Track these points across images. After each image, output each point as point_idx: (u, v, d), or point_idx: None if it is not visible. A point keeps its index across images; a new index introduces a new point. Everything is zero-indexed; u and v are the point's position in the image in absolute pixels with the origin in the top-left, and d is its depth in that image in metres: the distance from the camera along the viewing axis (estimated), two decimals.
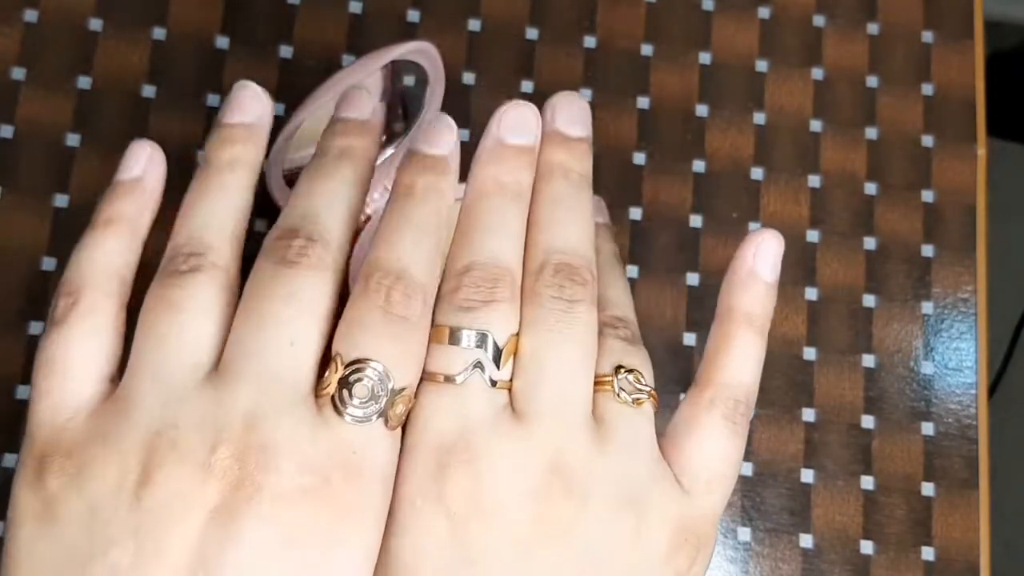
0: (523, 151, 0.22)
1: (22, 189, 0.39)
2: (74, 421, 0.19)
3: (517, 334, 0.21)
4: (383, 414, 0.19)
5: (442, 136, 0.23)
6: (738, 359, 0.23)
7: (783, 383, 0.41)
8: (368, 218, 0.39)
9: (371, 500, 0.19)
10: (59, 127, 0.40)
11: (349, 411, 0.19)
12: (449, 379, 0.20)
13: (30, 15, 0.40)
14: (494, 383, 0.20)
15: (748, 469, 0.40)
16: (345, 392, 0.19)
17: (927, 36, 0.44)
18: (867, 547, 0.39)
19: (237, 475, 0.18)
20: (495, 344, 0.20)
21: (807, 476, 0.40)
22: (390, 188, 0.39)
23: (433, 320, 0.21)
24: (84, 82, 0.40)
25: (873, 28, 0.44)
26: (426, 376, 0.20)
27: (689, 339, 0.41)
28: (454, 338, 0.20)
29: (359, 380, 0.19)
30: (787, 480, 0.40)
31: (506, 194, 0.22)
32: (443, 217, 0.22)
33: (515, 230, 0.22)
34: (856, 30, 0.44)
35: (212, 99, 0.41)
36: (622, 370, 0.22)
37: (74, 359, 0.20)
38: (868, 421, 0.41)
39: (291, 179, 0.37)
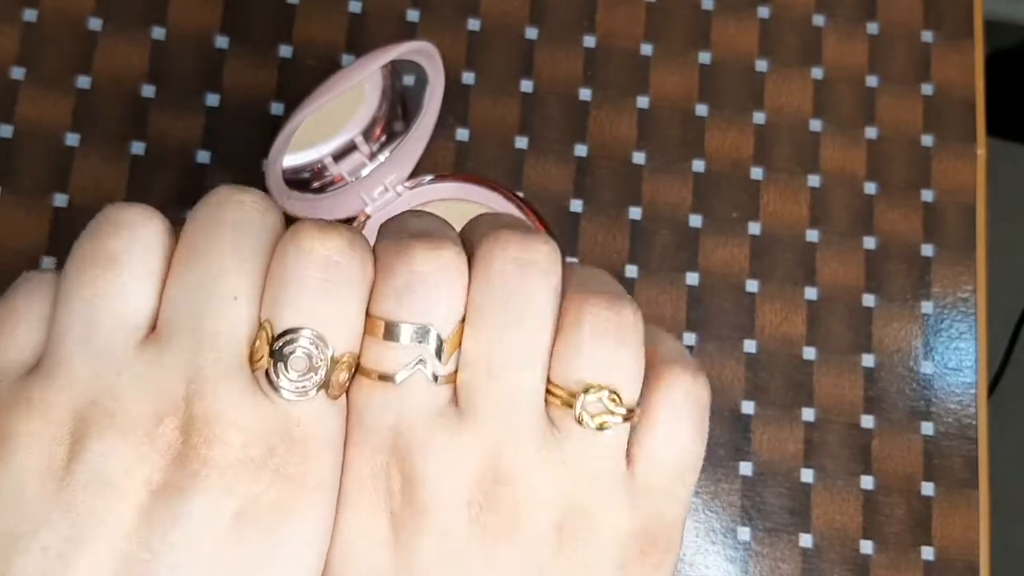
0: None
1: (22, 188, 0.39)
2: None
3: (463, 320, 0.19)
4: (323, 385, 0.18)
5: None
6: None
7: (783, 383, 0.41)
8: (368, 217, 0.39)
9: (320, 473, 0.18)
10: (58, 126, 0.40)
11: (285, 386, 0.17)
12: (386, 377, 0.18)
13: (29, 14, 0.40)
14: (436, 378, 0.18)
15: (748, 469, 0.40)
16: (281, 365, 0.17)
17: (927, 36, 0.44)
18: (867, 547, 0.39)
19: (181, 449, 0.17)
20: (438, 338, 0.18)
21: (807, 476, 0.40)
22: (389, 187, 0.39)
23: (370, 313, 0.18)
24: (84, 82, 0.40)
25: (873, 28, 0.44)
26: (361, 371, 0.18)
27: (689, 339, 0.41)
28: (391, 333, 0.18)
29: (293, 352, 0.17)
30: (787, 480, 0.40)
31: None
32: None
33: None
34: (856, 30, 0.44)
35: (212, 99, 0.40)
36: (592, 390, 0.18)
37: (20, 318, 0.18)
38: (868, 421, 0.41)
39: (290, 179, 0.37)
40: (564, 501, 0.18)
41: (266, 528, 0.17)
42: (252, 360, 0.18)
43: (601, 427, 0.18)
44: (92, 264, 0.18)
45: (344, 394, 0.19)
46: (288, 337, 0.17)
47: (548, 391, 0.19)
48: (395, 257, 0.18)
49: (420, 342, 0.18)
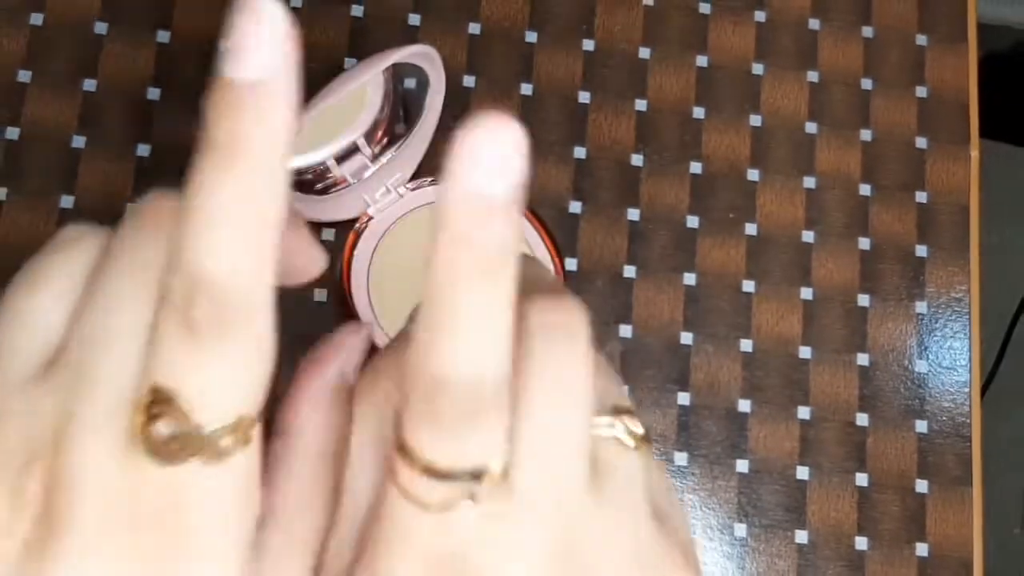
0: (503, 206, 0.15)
1: (28, 190, 0.39)
2: None
3: None
4: (199, 453, 0.15)
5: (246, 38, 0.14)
6: None
7: (779, 381, 0.41)
8: (370, 218, 0.40)
9: (209, 547, 0.15)
10: (65, 129, 0.40)
11: (156, 449, 0.15)
12: (432, 505, 0.15)
13: (36, 18, 0.41)
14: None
15: (744, 466, 0.40)
16: (152, 426, 0.15)
17: (921, 39, 0.45)
18: (862, 543, 0.40)
19: (45, 506, 0.15)
20: (491, 474, 0.16)
21: (802, 473, 0.40)
22: (391, 189, 0.40)
23: (406, 441, 0.15)
24: (89, 84, 0.41)
25: (867, 31, 0.45)
26: (401, 492, 0.16)
27: (686, 338, 0.41)
28: (439, 475, 0.15)
29: (160, 416, 0.15)
30: (783, 477, 0.40)
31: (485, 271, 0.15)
32: (268, 185, 0.15)
33: (502, 323, 0.15)
34: (851, 33, 0.45)
35: None
36: (619, 412, 0.17)
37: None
38: (862, 419, 0.41)
39: (292, 181, 0.38)
40: (630, 554, 0.17)
41: None
42: (136, 411, 0.15)
43: (639, 446, 0.17)
44: (18, 284, 0.17)
45: (240, 451, 0.16)
46: (157, 398, 0.15)
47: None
48: (438, 388, 0.15)
49: (473, 480, 0.15)
